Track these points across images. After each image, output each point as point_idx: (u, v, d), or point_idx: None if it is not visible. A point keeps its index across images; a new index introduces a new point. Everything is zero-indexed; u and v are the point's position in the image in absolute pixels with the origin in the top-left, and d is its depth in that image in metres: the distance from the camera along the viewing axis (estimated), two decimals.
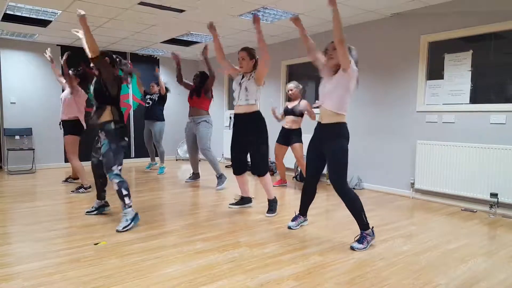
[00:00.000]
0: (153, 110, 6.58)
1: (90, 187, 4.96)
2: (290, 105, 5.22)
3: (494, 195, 3.99)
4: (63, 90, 5.47)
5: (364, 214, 3.01)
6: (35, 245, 2.96)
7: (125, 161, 8.50)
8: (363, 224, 3.01)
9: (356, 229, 3.34)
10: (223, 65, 3.94)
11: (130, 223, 3.37)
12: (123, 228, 3.31)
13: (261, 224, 3.61)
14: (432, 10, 4.58)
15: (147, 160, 7.55)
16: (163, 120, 6.68)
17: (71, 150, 5.09)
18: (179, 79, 5.56)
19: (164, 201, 4.57)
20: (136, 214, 3.48)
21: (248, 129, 3.82)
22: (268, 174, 3.93)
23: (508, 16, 3.97)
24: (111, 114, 3.44)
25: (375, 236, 3.08)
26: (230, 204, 4.27)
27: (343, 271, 2.51)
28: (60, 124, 5.24)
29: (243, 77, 3.85)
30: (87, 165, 4.18)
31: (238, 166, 4.05)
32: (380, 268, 2.57)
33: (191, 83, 5.62)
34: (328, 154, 3.02)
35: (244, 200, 4.24)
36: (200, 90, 5.39)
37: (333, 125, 3.00)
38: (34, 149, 6.95)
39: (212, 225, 3.55)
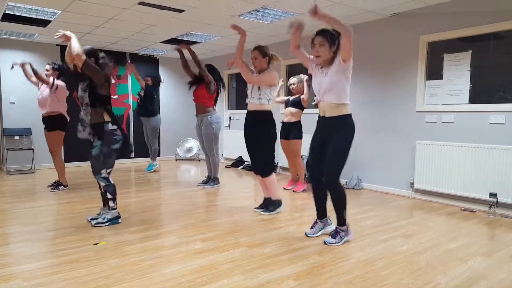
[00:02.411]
0: (141, 107, 6.69)
1: (67, 186, 5.16)
2: (292, 97, 5.16)
3: (493, 195, 4.00)
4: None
5: (346, 211, 3.02)
6: (34, 245, 2.95)
7: (125, 161, 8.52)
8: (342, 220, 3.03)
9: (355, 228, 3.35)
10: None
11: (106, 222, 3.42)
12: (96, 223, 3.40)
13: (261, 224, 3.61)
14: (431, 10, 4.58)
15: (147, 160, 7.54)
16: (155, 115, 6.66)
17: (56, 146, 5.08)
18: (184, 66, 5.27)
19: (164, 201, 4.57)
20: (118, 217, 3.50)
21: (256, 127, 3.74)
22: (273, 175, 3.85)
23: (508, 16, 3.97)
24: (106, 115, 3.40)
25: (350, 233, 3.08)
26: (255, 208, 4.06)
27: (343, 271, 2.51)
28: (42, 120, 5.18)
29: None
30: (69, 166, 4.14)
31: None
32: (379, 268, 2.57)
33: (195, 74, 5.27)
34: (331, 145, 2.91)
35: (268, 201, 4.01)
36: (202, 81, 5.11)
37: (338, 118, 2.91)
38: (33, 149, 6.94)
39: (212, 225, 3.55)
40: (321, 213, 3.24)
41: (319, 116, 3.05)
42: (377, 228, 3.49)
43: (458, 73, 4.43)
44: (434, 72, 4.67)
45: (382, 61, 5.18)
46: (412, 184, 4.84)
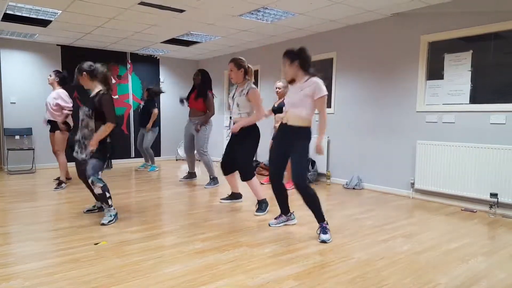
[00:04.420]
0: (142, 118, 6.89)
1: (70, 178, 5.38)
2: (277, 103, 5.18)
3: (494, 195, 3.99)
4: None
5: (321, 208, 3.18)
6: (35, 245, 2.96)
7: (125, 161, 8.53)
8: (321, 217, 3.17)
9: (356, 228, 3.36)
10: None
11: (113, 218, 3.55)
12: (108, 222, 3.50)
13: (261, 224, 3.61)
14: (432, 10, 4.58)
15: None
16: (155, 126, 6.86)
17: (61, 147, 5.21)
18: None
19: (164, 201, 4.57)
20: (116, 213, 3.64)
21: (239, 133, 3.89)
22: (254, 178, 3.99)
23: (508, 16, 3.97)
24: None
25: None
26: (221, 199, 4.51)
27: (343, 271, 2.51)
28: (47, 123, 5.29)
29: (235, 91, 3.98)
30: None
31: (224, 167, 4.18)
32: (380, 268, 2.57)
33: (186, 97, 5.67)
34: (295, 153, 3.17)
35: (234, 196, 4.45)
36: (200, 92, 5.40)
37: (299, 128, 3.15)
38: (34, 149, 6.95)
39: (212, 225, 3.56)
40: (284, 210, 3.53)
41: (281, 123, 3.31)
42: (378, 228, 3.49)
43: (459, 73, 4.43)
44: (435, 72, 4.67)
45: (382, 61, 5.18)
46: (412, 184, 4.83)
